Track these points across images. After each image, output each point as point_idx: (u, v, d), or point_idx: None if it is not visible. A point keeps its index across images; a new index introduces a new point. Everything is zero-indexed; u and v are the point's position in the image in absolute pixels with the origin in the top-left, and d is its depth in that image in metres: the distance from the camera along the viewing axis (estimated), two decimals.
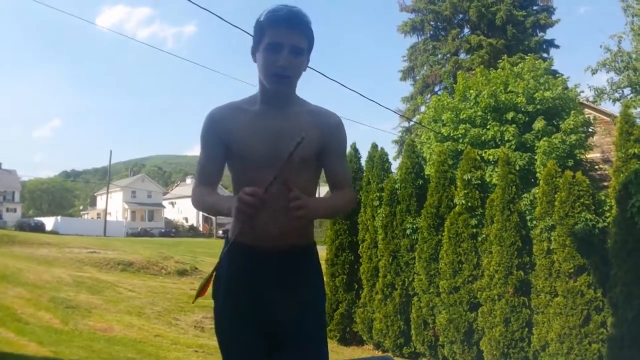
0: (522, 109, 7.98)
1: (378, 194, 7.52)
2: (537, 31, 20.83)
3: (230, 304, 1.59)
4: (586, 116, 8.96)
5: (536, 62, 8.96)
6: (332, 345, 7.41)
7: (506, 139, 7.74)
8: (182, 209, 58.56)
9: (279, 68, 1.47)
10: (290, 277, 1.59)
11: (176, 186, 69.12)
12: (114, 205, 53.00)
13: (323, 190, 19.90)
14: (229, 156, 1.60)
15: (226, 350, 1.62)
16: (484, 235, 6.29)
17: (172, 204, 59.91)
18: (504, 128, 7.83)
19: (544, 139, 7.53)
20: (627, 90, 12.51)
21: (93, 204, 66.60)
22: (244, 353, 1.57)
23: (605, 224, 5.54)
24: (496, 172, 6.82)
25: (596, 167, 9.00)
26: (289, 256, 1.59)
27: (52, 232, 30.56)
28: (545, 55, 19.50)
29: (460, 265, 6.31)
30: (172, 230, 47.29)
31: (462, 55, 21.03)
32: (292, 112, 1.58)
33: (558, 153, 7.36)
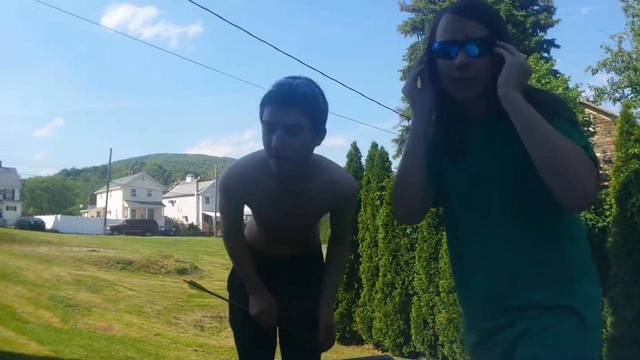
0: None
1: (378, 193, 7.52)
2: (538, 31, 20.82)
3: (244, 300, 1.77)
4: (586, 116, 8.97)
5: (538, 63, 8.96)
6: None
7: None
8: (182, 207, 58.63)
9: (274, 149, 1.43)
10: (297, 278, 1.80)
11: (176, 185, 69.19)
12: (114, 203, 53.05)
13: None
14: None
15: (239, 341, 1.86)
16: None
17: (172, 202, 59.94)
18: None
19: None
20: (627, 90, 12.53)
21: (93, 202, 66.63)
22: (253, 345, 1.80)
23: (605, 223, 5.53)
24: None
25: None
26: (298, 261, 1.79)
27: (52, 231, 30.55)
28: (545, 55, 19.49)
29: None
30: (172, 228, 47.27)
31: None
32: (307, 189, 1.56)
33: None
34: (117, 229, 36.33)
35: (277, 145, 1.41)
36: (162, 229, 44.33)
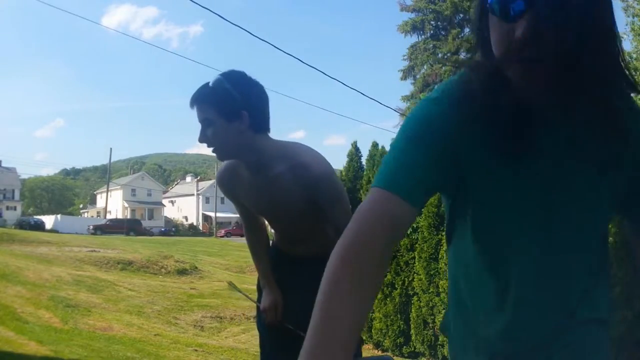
0: None
1: None
2: None
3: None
4: None
5: None
6: None
7: None
8: (182, 207, 58.60)
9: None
10: (311, 279, 1.75)
11: (176, 184, 69.19)
12: (113, 203, 53.06)
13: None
14: None
15: (261, 343, 1.90)
16: None
17: (172, 202, 59.92)
18: None
19: None
20: None
21: (93, 202, 66.64)
22: (274, 348, 1.85)
23: None
24: None
25: None
26: (315, 262, 1.75)
27: (52, 231, 30.54)
28: None
29: None
30: (172, 229, 47.28)
31: (462, 55, 21.07)
32: (274, 176, 1.59)
33: None
34: (100, 229, 36.20)
35: (199, 139, 1.55)
36: (162, 229, 44.34)
